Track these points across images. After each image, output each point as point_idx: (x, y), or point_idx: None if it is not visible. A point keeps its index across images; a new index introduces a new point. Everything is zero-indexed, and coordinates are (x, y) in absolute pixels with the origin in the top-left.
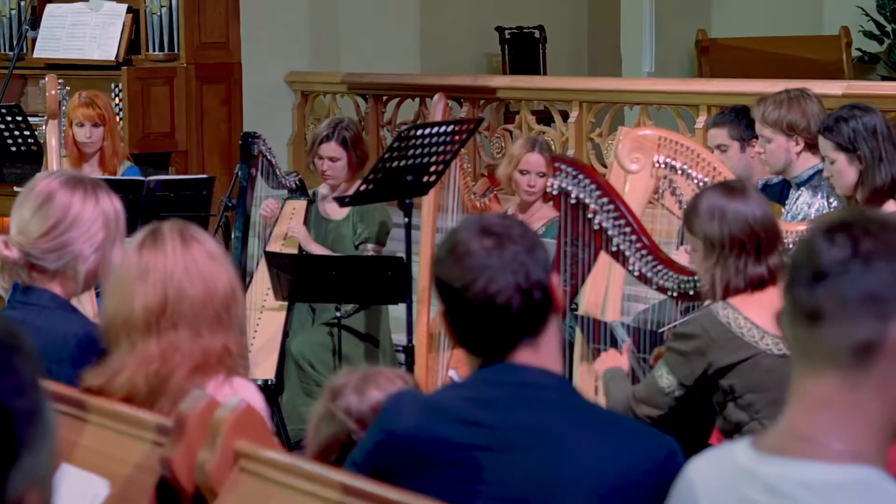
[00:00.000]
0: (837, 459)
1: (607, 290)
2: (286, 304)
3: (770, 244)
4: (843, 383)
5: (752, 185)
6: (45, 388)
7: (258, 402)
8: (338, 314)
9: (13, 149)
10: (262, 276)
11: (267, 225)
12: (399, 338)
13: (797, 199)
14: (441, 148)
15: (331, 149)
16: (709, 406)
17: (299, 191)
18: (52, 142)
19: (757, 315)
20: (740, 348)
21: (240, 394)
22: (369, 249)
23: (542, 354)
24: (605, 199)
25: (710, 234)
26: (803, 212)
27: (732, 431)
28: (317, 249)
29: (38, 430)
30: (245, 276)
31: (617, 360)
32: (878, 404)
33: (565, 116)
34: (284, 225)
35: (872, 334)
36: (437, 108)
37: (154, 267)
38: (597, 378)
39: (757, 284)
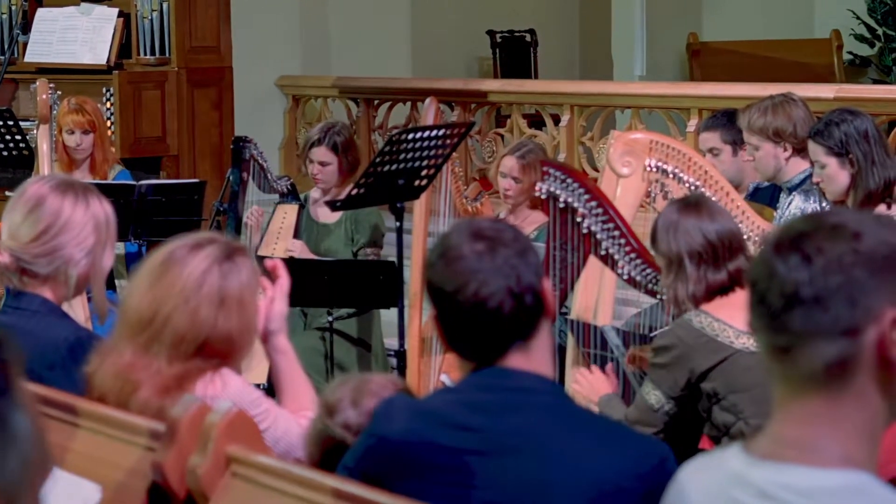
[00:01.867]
0: (828, 464)
1: (599, 295)
2: None
3: (729, 252)
4: (824, 401)
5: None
6: (16, 395)
7: (246, 388)
8: (329, 318)
9: (4, 153)
10: None
11: (254, 232)
12: (391, 342)
13: (790, 203)
14: (432, 152)
15: (321, 153)
16: (697, 412)
17: (291, 195)
18: (43, 146)
19: (730, 316)
20: (717, 350)
21: (229, 384)
22: (369, 254)
23: (533, 359)
24: (593, 203)
25: (666, 250)
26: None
27: (720, 435)
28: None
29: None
30: None
31: (604, 386)
32: (863, 414)
33: (557, 120)
34: (276, 228)
35: (844, 352)
36: (429, 111)
37: (165, 279)
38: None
39: (718, 291)
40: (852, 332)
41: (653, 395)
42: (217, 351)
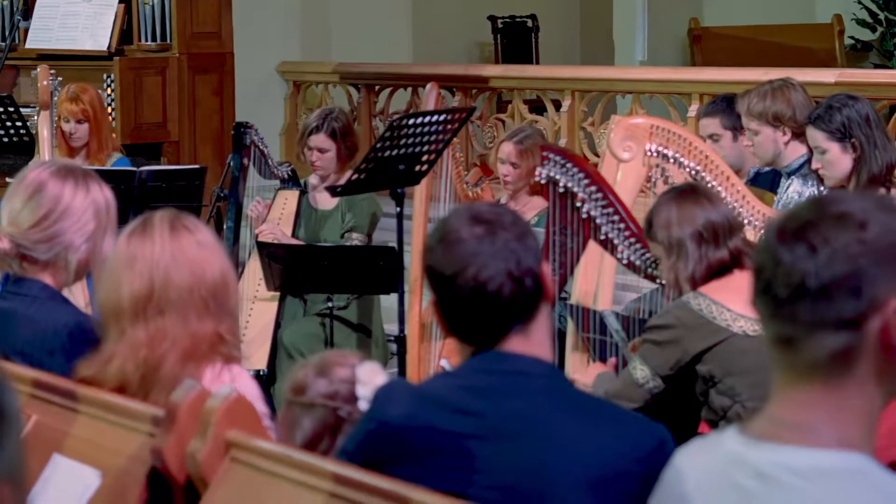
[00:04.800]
0: (826, 445)
1: (599, 279)
2: (278, 294)
3: (728, 232)
4: (825, 387)
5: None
6: (6, 381)
7: (255, 390)
8: (329, 304)
9: (5, 140)
10: (254, 266)
11: (256, 224)
12: (391, 328)
13: (787, 187)
14: (433, 137)
15: (320, 140)
16: (695, 397)
17: (291, 181)
18: (43, 132)
19: (728, 300)
20: (713, 332)
21: (238, 382)
22: (354, 239)
23: (532, 343)
24: (593, 188)
25: (665, 237)
26: (794, 201)
27: (718, 418)
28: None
29: (2, 426)
30: (237, 267)
31: (599, 370)
32: (864, 398)
33: (558, 105)
34: (276, 214)
35: (848, 342)
36: (430, 97)
37: (141, 255)
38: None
39: (719, 270)
40: (857, 322)
41: (639, 371)
42: (222, 296)
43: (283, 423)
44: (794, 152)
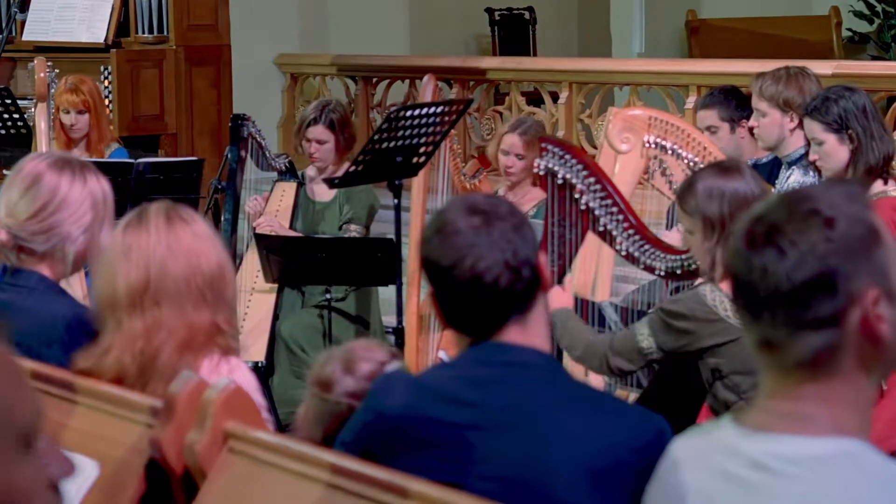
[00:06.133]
0: (820, 433)
1: (597, 271)
2: (276, 286)
3: None
4: (815, 382)
5: (744, 164)
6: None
7: (253, 382)
8: (328, 296)
9: (2, 132)
10: (251, 258)
11: (253, 220)
12: (389, 319)
13: (788, 177)
14: (431, 129)
15: (318, 131)
16: (698, 385)
17: (289, 173)
18: (41, 125)
19: None
20: (725, 330)
21: (236, 373)
22: (352, 231)
23: (530, 333)
24: (591, 180)
25: (711, 214)
26: None
27: (722, 410)
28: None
29: None
30: (235, 259)
31: (562, 298)
32: (854, 388)
33: (555, 97)
34: (274, 206)
35: (831, 340)
36: (427, 89)
37: (137, 246)
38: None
39: None
40: (836, 319)
41: (647, 340)
42: (218, 286)
43: (307, 417)
44: (798, 141)
